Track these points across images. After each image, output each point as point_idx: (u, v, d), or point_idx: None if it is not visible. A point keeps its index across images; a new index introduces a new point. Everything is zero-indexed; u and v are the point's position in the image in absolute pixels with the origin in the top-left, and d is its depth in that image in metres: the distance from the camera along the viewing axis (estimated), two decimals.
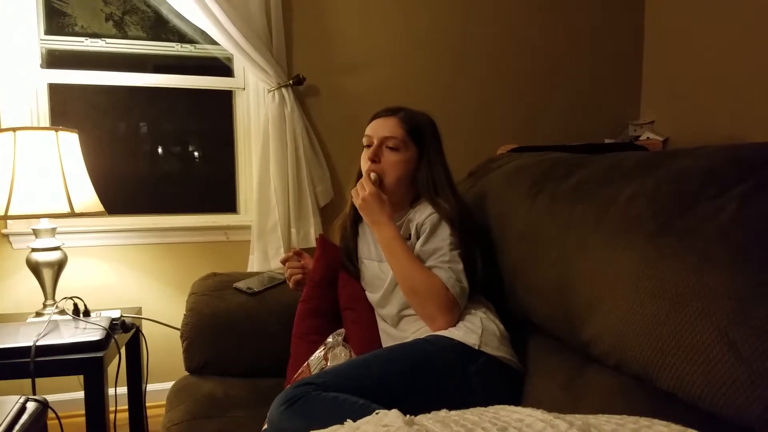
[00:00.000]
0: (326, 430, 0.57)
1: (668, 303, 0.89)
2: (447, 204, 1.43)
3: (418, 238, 1.43)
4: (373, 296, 1.53)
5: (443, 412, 0.60)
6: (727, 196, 0.88)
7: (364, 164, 1.50)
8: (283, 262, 1.72)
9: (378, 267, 1.51)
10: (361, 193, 1.44)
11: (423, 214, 1.43)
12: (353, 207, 1.52)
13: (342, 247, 1.64)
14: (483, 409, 0.60)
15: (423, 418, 0.57)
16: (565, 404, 1.12)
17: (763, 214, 0.82)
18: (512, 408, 0.59)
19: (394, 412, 0.57)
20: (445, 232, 1.39)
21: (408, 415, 0.57)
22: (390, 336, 1.49)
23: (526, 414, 0.57)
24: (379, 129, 1.49)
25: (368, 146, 1.50)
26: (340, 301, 1.60)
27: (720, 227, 0.86)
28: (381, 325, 1.54)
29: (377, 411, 0.59)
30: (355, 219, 1.60)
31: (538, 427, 0.53)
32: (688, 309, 0.85)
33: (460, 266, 1.36)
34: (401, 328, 1.46)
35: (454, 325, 1.33)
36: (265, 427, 1.20)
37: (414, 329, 1.41)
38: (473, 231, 1.46)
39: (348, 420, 0.59)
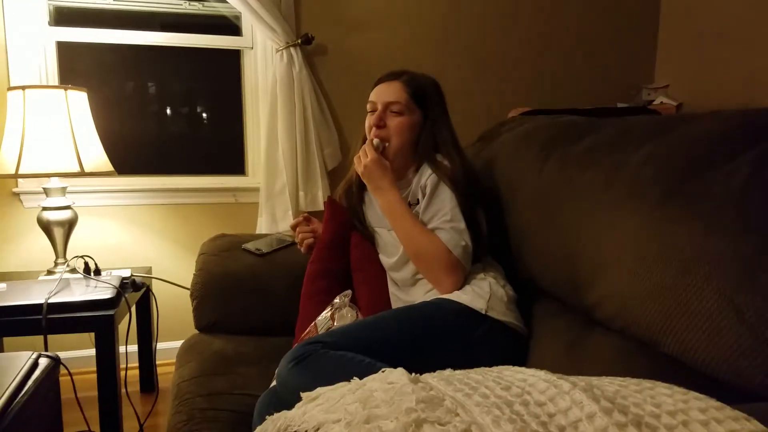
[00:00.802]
0: (333, 386, 0.58)
1: (674, 268, 0.89)
2: (448, 161, 1.42)
3: None
4: (387, 260, 1.53)
5: (448, 371, 0.61)
6: (739, 161, 0.87)
7: (368, 130, 1.50)
8: (293, 227, 1.73)
9: (389, 234, 1.51)
10: (363, 160, 1.44)
11: (425, 176, 1.43)
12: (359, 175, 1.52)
13: (350, 211, 1.64)
14: (487, 369, 0.61)
15: (428, 377, 0.58)
16: (569, 366, 1.12)
17: None
18: (516, 368, 0.60)
19: (400, 370, 0.58)
20: (445, 191, 1.39)
21: (413, 374, 0.58)
22: (400, 299, 1.50)
23: (529, 374, 0.57)
24: (382, 94, 1.48)
25: (372, 112, 1.50)
26: (351, 261, 1.60)
27: (729, 192, 0.84)
28: (391, 288, 1.55)
29: (383, 369, 0.60)
30: (361, 185, 1.59)
31: (541, 386, 0.54)
32: (694, 274, 0.84)
33: (462, 225, 1.36)
34: (413, 291, 1.47)
35: (461, 287, 1.34)
36: (274, 383, 1.22)
37: (425, 291, 1.42)
38: (478, 190, 1.45)
39: (354, 377, 0.60)
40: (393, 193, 1.42)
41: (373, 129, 1.47)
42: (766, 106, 0.98)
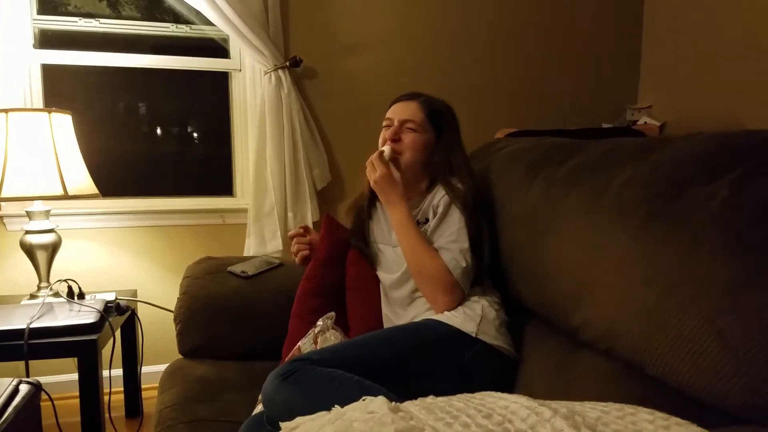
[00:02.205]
0: (312, 416, 0.57)
1: (658, 289, 0.89)
2: (462, 184, 1.45)
3: None
4: (388, 276, 1.53)
5: (430, 399, 0.60)
6: (719, 182, 0.88)
7: (381, 143, 1.54)
8: (291, 237, 1.73)
9: (393, 252, 1.53)
10: (372, 175, 1.47)
11: (438, 196, 1.46)
12: (371, 189, 1.54)
13: (352, 227, 1.65)
14: (470, 395, 0.61)
15: (409, 405, 0.57)
16: (557, 389, 1.12)
17: (753, 201, 0.82)
18: (498, 395, 0.59)
19: (380, 398, 0.57)
20: (455, 213, 1.41)
21: (394, 402, 0.57)
22: (392, 321, 1.51)
23: (511, 401, 0.57)
24: (399, 111, 1.53)
25: (387, 127, 1.54)
26: (347, 279, 1.60)
27: (711, 214, 0.85)
28: (385, 308, 1.55)
29: (364, 398, 0.59)
30: (371, 201, 1.62)
31: (523, 414, 0.53)
32: (677, 296, 0.85)
33: (466, 245, 1.38)
34: (407, 312, 1.47)
35: (455, 307, 1.35)
36: (257, 409, 1.20)
37: (422, 311, 1.43)
38: (485, 214, 1.48)
39: (342, 396, 0.59)
40: (402, 207, 1.45)
41: (388, 142, 1.51)
42: (748, 127, 0.99)
